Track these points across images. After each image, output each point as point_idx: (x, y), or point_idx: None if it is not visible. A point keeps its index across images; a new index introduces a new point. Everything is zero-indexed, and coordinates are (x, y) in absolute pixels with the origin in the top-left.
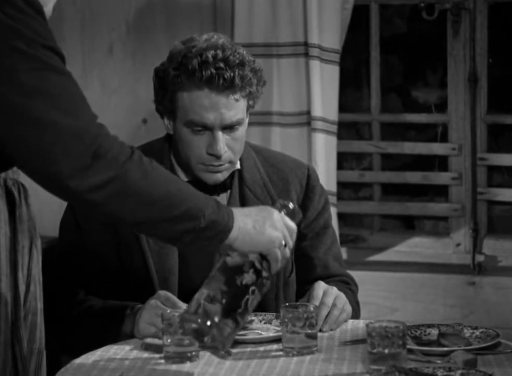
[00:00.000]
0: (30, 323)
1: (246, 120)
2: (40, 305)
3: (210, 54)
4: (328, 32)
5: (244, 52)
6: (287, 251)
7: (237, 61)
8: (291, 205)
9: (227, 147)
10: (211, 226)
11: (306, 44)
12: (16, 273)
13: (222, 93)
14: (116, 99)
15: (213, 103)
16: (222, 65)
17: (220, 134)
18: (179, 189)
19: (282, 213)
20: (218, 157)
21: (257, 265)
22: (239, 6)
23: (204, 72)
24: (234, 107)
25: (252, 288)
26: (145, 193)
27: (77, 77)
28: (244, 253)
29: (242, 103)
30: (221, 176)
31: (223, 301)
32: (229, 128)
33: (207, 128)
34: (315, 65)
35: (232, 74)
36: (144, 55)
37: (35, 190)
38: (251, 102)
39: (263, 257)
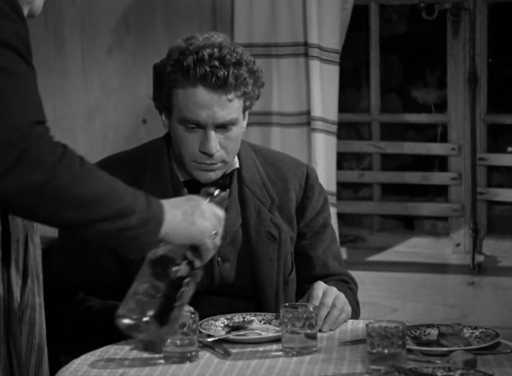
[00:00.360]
0: (29, 318)
1: (243, 121)
2: (39, 300)
3: (206, 52)
4: (328, 32)
5: (244, 52)
6: (218, 240)
7: (233, 60)
8: (216, 192)
9: (220, 146)
10: (143, 223)
11: (306, 44)
12: (9, 267)
13: (216, 92)
14: (116, 99)
15: (207, 101)
16: (217, 63)
17: (212, 132)
18: (110, 188)
19: (209, 201)
20: (210, 155)
21: (190, 256)
22: (239, 6)
23: (198, 70)
24: (228, 107)
25: (187, 279)
26: (75, 196)
27: (77, 77)
28: (176, 245)
29: (237, 103)
30: (214, 175)
31: (159, 295)
32: (222, 127)
33: (200, 126)
34: (315, 65)
35: (226, 73)
36: (144, 55)
37: None
38: (247, 103)
39: (194, 247)
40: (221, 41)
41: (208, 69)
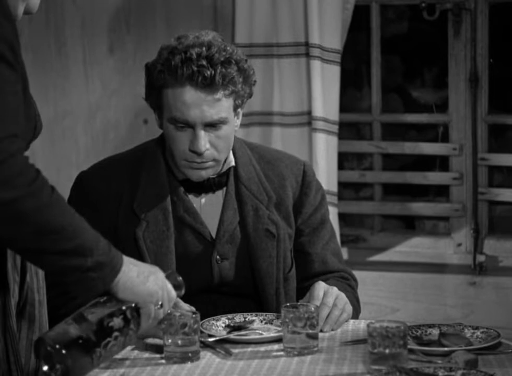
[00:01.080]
0: (28, 314)
1: (236, 120)
2: (38, 297)
3: (194, 51)
4: (329, 32)
5: (235, 50)
6: (161, 313)
7: (222, 59)
8: (179, 278)
9: (211, 145)
10: (97, 267)
11: (307, 44)
12: (5, 262)
13: (203, 91)
14: (116, 99)
15: (195, 100)
16: (204, 62)
17: (201, 131)
18: (74, 224)
19: (169, 279)
20: (199, 154)
21: (128, 314)
22: (240, 6)
23: (185, 69)
24: (216, 105)
25: (116, 333)
26: (36, 222)
27: (78, 77)
28: (120, 298)
29: (225, 102)
30: (205, 174)
31: (85, 335)
32: (212, 126)
33: (189, 125)
34: (316, 65)
35: (213, 72)
36: (145, 55)
37: None
38: (237, 102)
39: (136, 309)
40: (210, 39)
41: (195, 68)
